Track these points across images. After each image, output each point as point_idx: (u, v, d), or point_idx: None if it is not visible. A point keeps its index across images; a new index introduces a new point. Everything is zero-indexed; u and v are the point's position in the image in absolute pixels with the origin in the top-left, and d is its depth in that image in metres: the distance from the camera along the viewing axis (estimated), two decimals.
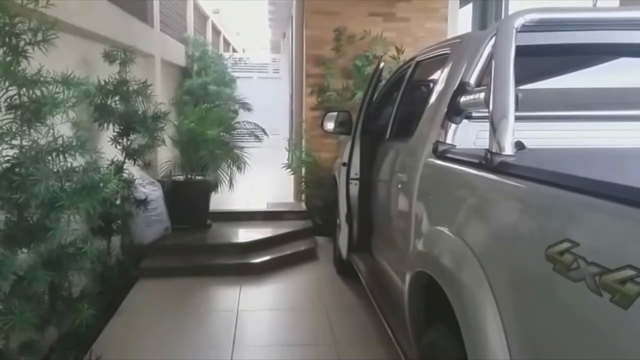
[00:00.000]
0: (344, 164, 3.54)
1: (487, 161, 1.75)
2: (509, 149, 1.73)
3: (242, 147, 5.84)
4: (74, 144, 2.60)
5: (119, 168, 4.01)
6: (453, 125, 2.33)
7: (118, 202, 4.14)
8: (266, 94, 12.09)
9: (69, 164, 2.65)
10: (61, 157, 2.60)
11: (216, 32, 13.44)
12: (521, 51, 1.89)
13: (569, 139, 2.37)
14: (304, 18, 6.63)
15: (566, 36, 2.49)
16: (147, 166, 4.62)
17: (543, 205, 1.45)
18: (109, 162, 3.90)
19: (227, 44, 15.89)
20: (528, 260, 1.41)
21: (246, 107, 8.48)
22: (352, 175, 3.69)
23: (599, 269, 1.12)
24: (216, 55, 9.54)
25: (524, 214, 1.55)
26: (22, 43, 2.44)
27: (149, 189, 4.84)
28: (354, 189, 3.71)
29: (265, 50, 20.20)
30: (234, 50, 16.65)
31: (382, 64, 3.88)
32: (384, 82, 4.30)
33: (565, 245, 1.23)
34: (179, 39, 8.16)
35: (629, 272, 1.03)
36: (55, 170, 2.58)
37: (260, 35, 18.61)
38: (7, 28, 2.39)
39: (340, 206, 3.57)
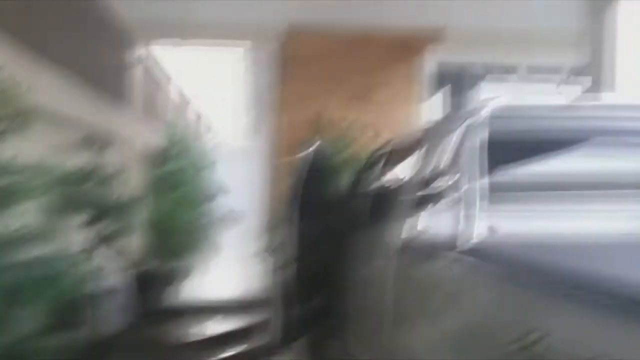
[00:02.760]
0: (279, 247, 3.47)
1: (457, 247, 1.74)
2: (479, 235, 1.72)
3: (219, 231, 5.77)
4: (38, 232, 2.52)
5: (86, 257, 3.88)
6: (424, 213, 2.32)
7: (84, 292, 3.97)
8: (246, 178, 12.13)
9: (32, 254, 2.56)
10: (25, 246, 2.51)
11: (195, 116, 13.67)
12: (490, 139, 1.93)
13: (549, 223, 2.37)
14: (281, 103, 6.80)
15: (534, 124, 2.56)
16: (117, 254, 4.50)
17: (511, 292, 1.42)
18: (77, 251, 3.78)
19: (206, 127, 16.13)
20: (500, 351, 1.36)
21: (224, 191, 8.46)
22: (289, 258, 3.61)
23: None
24: (194, 139, 9.62)
25: (493, 301, 1.52)
26: None
27: (118, 278, 4.69)
28: (291, 272, 3.60)
29: (246, 135, 20.56)
30: (213, 134, 16.87)
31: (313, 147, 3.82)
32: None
33: (535, 335, 1.20)
34: (157, 123, 8.25)
35: None
36: (18, 260, 2.48)
37: (241, 119, 19.02)
38: None
39: (273, 289, 3.46)
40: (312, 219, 3.54)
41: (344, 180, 4.02)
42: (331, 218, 3.69)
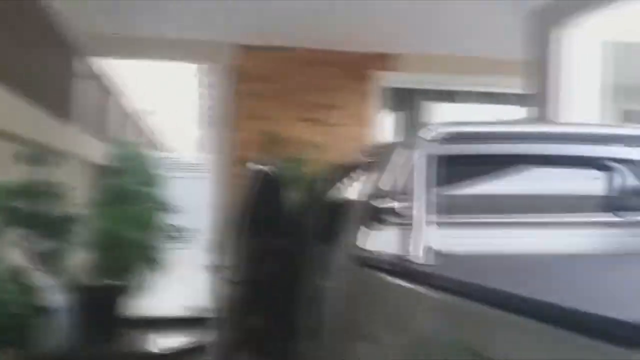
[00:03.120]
0: (220, 267, 3.43)
1: (400, 268, 1.74)
2: (422, 255, 1.72)
3: (163, 249, 5.60)
4: None
5: (17, 274, 3.69)
6: (372, 231, 2.32)
7: (15, 311, 3.77)
8: (197, 194, 11.91)
9: None
10: None
11: (146, 131, 13.43)
12: (438, 161, 1.95)
13: (491, 244, 2.41)
14: (234, 121, 6.74)
15: (481, 148, 2.61)
16: (56, 271, 4.30)
17: (448, 312, 1.42)
18: (7, 268, 3.59)
19: (157, 143, 15.86)
20: None
21: (172, 207, 8.26)
22: (234, 278, 3.56)
23: None
24: (142, 154, 9.41)
25: (432, 321, 1.53)
26: None
27: (56, 296, 4.48)
28: (235, 291, 3.56)
29: (198, 150, 20.32)
30: (165, 150, 16.59)
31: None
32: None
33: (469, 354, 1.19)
34: (102, 138, 8.02)
35: None
36: None
37: (193, 134, 18.79)
38: None
39: (215, 307, 3.42)
40: (259, 236, 3.49)
41: (297, 198, 4.00)
42: (281, 235, 3.65)
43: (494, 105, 7.44)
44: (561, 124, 3.57)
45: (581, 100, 4.29)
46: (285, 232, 3.72)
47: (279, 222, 3.66)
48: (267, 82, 6.68)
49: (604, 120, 4.95)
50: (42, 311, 4.09)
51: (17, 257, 3.85)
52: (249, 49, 6.60)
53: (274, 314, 3.52)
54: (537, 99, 4.60)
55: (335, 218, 2.96)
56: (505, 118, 6.82)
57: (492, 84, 7.13)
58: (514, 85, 5.91)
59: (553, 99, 4.36)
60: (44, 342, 4.42)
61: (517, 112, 6.81)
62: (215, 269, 3.38)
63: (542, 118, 4.39)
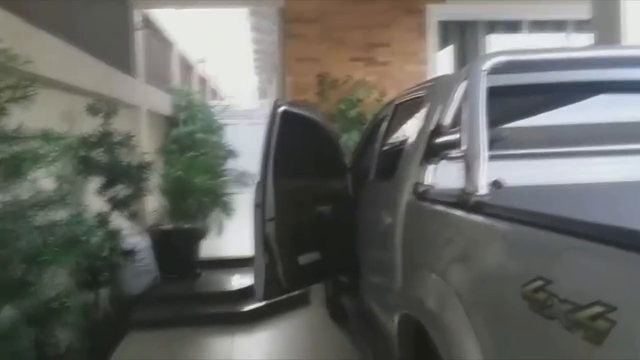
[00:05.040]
0: (257, 205, 3.46)
1: (462, 201, 1.77)
2: (483, 188, 1.74)
3: (231, 194, 5.85)
4: (55, 198, 2.60)
5: (104, 220, 3.99)
6: (432, 166, 2.36)
7: (105, 253, 4.10)
8: (254, 140, 12.12)
9: (51, 218, 2.65)
10: (43, 211, 2.59)
11: (202, 80, 13.63)
12: (496, 92, 1.94)
13: (554, 175, 2.40)
14: (286, 65, 6.77)
15: (539, 76, 2.55)
16: (134, 216, 4.60)
17: (515, 243, 1.46)
18: (94, 214, 3.89)
19: (214, 91, 16.10)
20: (506, 300, 1.41)
21: (233, 154, 8.51)
22: (267, 216, 3.47)
23: (571, 306, 1.12)
24: (202, 103, 9.63)
25: (498, 253, 1.56)
26: (1, 100, 2.47)
27: (137, 239, 4.81)
28: (271, 229, 3.47)
29: (254, 97, 20.51)
30: (221, 98, 16.83)
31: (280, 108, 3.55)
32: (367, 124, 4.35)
33: (539, 283, 1.24)
34: (164, 89, 8.26)
35: (599, 309, 1.04)
36: (37, 225, 2.57)
37: (248, 82, 18.93)
38: None
39: (255, 247, 3.47)
40: (289, 177, 3.48)
41: (353, 138, 4.03)
42: (306, 174, 3.66)
43: (551, 33, 7.07)
44: (617, 47, 3.38)
45: None
46: (311, 171, 3.73)
47: (300, 160, 3.63)
48: (315, 22, 6.62)
49: None
50: (127, 254, 4.44)
51: (99, 204, 4.14)
52: None
53: (327, 249, 3.65)
54: (597, 24, 4.36)
55: (395, 154, 3.01)
56: (564, 45, 6.52)
57: (548, 12, 6.77)
58: (572, 12, 5.61)
59: (614, 24, 4.12)
60: (126, 282, 4.81)
61: (576, 39, 6.49)
62: (255, 208, 3.41)
63: (604, 43, 4.18)
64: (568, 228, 1.25)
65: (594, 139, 2.59)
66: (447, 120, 2.42)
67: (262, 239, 3.35)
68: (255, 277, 3.40)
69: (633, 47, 2.84)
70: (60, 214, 2.71)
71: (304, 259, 3.51)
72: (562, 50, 2.75)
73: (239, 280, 5.47)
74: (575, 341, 1.09)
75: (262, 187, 3.32)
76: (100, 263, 4.02)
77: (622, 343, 1.01)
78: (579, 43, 6.65)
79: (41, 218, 2.61)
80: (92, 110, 4.12)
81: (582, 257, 1.20)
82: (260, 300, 3.77)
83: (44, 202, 2.60)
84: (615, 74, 2.54)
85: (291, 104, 3.80)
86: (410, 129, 2.86)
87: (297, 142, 3.58)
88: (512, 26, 7.05)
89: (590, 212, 1.38)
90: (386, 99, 6.03)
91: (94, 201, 3.98)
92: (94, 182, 4.14)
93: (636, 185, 2.28)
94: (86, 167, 3.98)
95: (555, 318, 1.16)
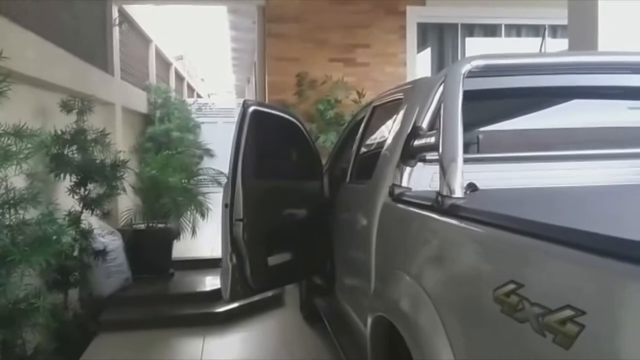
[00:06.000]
0: (225, 205, 3.43)
1: (437, 204, 1.78)
2: (458, 191, 1.76)
3: (206, 193, 5.79)
4: (25, 196, 2.55)
5: (75, 219, 3.92)
6: (408, 168, 2.36)
7: (75, 253, 4.03)
8: (231, 139, 12.04)
9: (21, 217, 2.59)
10: (13, 210, 2.54)
11: (179, 78, 13.50)
12: (472, 95, 1.95)
13: (528, 179, 2.43)
14: (265, 64, 6.75)
15: (515, 80, 2.58)
16: (106, 215, 4.54)
17: (488, 246, 1.47)
18: (66, 213, 3.82)
19: (191, 89, 15.96)
20: (478, 303, 1.42)
21: (209, 152, 8.46)
22: (236, 216, 3.42)
23: (542, 310, 1.13)
24: (179, 101, 9.55)
25: (472, 256, 1.58)
26: None
27: (108, 239, 4.73)
28: (238, 230, 3.44)
29: (231, 95, 20.38)
30: (199, 96, 16.70)
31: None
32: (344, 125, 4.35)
33: (511, 286, 1.25)
34: (140, 86, 8.16)
35: (568, 313, 1.05)
36: (6, 223, 2.51)
37: (225, 80, 18.80)
38: None
39: (222, 247, 3.44)
40: (259, 178, 3.46)
41: (331, 139, 4.02)
42: (275, 175, 3.62)
43: (538, 39, 7.16)
44: (595, 53, 3.45)
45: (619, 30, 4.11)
46: (282, 171, 3.71)
47: (271, 161, 3.60)
48: (295, 22, 6.61)
49: None
50: (99, 254, 4.37)
51: (71, 202, 4.07)
52: None
53: (297, 252, 3.63)
54: (572, 29, 4.43)
55: (371, 156, 3.02)
56: (540, 50, 6.61)
57: (536, 16, 6.86)
58: (559, 16, 5.69)
59: (590, 29, 4.19)
60: (102, 283, 4.73)
61: (563, 44, 6.59)
62: (224, 208, 3.36)
63: (579, 48, 4.25)
64: (540, 232, 1.26)
65: (568, 144, 2.63)
66: (425, 123, 2.44)
67: (230, 239, 3.33)
68: (222, 277, 3.37)
69: (608, 53, 2.89)
70: (31, 213, 2.65)
71: (273, 260, 3.48)
72: (538, 56, 2.78)
73: (213, 281, 5.40)
74: (546, 344, 1.11)
75: (231, 187, 3.29)
76: (70, 263, 3.96)
77: (590, 347, 1.03)
78: (556, 48, 6.77)
79: (11, 216, 2.55)
80: (66, 106, 4.05)
81: (553, 261, 1.21)
82: (227, 301, 3.75)
83: (15, 201, 2.54)
84: (590, 80, 2.58)
85: (261, 103, 3.77)
86: (387, 131, 2.87)
87: (268, 143, 3.55)
88: (491, 30, 7.14)
89: (563, 216, 1.40)
90: (365, 100, 6.06)
91: (66, 200, 3.91)
92: (67, 180, 4.06)
93: (608, 189, 2.32)
94: (59, 164, 3.91)
95: (526, 321, 1.18)
